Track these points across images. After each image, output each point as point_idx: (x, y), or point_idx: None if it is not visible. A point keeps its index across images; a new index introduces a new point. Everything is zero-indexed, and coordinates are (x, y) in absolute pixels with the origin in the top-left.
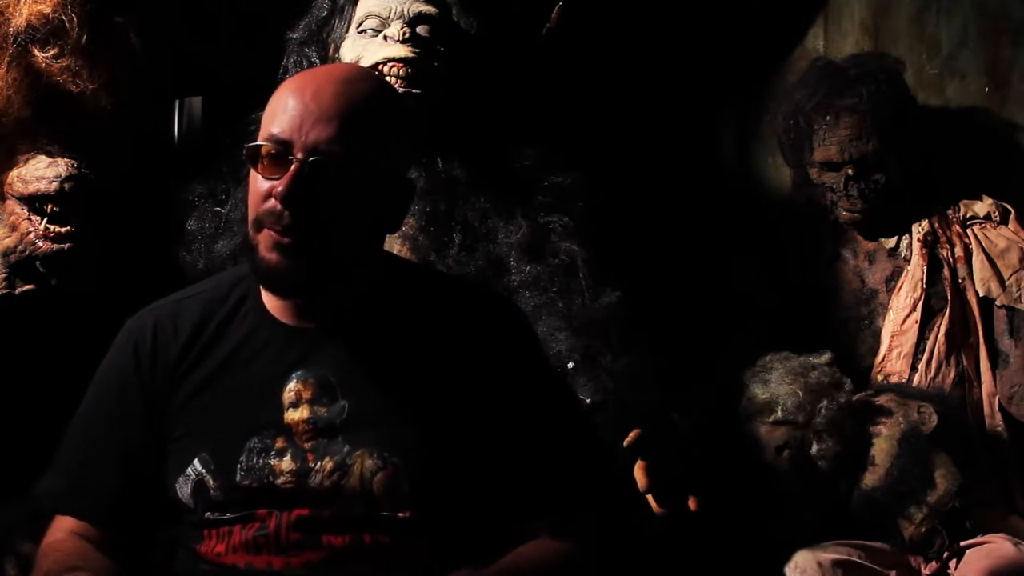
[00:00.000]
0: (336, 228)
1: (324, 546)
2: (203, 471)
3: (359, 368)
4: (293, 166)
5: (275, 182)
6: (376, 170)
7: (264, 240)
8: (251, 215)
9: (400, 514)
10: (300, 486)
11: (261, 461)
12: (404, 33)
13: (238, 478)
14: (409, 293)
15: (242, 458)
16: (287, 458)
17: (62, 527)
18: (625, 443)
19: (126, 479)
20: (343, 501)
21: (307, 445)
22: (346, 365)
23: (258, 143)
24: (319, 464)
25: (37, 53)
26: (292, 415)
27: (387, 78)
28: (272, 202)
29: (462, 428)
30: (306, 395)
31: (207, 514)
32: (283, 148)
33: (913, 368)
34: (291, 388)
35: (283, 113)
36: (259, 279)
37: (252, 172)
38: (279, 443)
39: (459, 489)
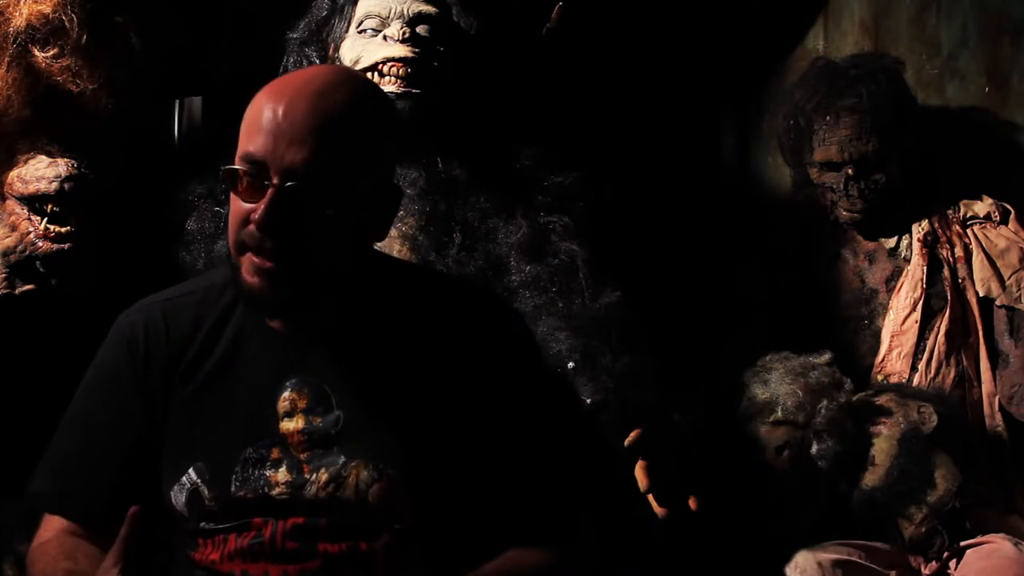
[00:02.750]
0: (319, 247)
1: (320, 554)
2: (198, 481)
3: (354, 376)
4: (270, 192)
5: (253, 205)
6: (357, 183)
7: (246, 264)
8: (232, 236)
9: (396, 525)
10: (295, 497)
11: (256, 472)
12: (404, 33)
13: (233, 489)
14: (403, 297)
15: (237, 469)
16: (282, 469)
17: (52, 527)
18: (625, 443)
19: (119, 477)
20: (338, 512)
21: (302, 456)
22: (341, 373)
23: (233, 167)
24: (314, 475)
25: (37, 53)
26: (287, 425)
27: (387, 78)
28: (252, 227)
29: (459, 436)
30: (301, 404)
31: (202, 523)
32: (259, 171)
33: (913, 368)
34: (286, 397)
35: (257, 133)
36: (244, 302)
37: (232, 193)
38: (274, 454)
39: (456, 498)
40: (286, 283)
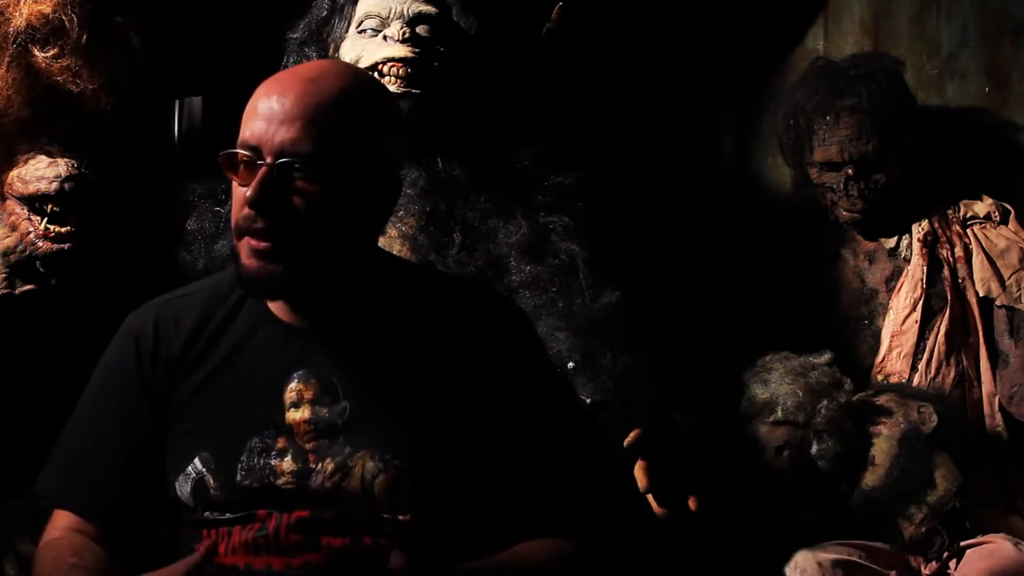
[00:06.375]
0: (311, 228)
1: (324, 548)
2: (203, 470)
3: (360, 368)
4: (261, 170)
5: (249, 187)
6: (350, 167)
7: (244, 247)
8: (232, 223)
9: (400, 516)
10: (301, 487)
11: (262, 461)
12: (404, 33)
13: (239, 478)
14: (410, 293)
15: (243, 458)
16: (288, 458)
17: (60, 524)
18: (625, 443)
19: (126, 473)
20: (344, 503)
21: (308, 446)
22: (348, 365)
23: (231, 151)
24: (320, 465)
25: (37, 53)
26: (293, 415)
27: (387, 78)
28: (247, 208)
29: (463, 429)
30: (308, 395)
31: (207, 513)
32: (254, 153)
33: (913, 368)
34: (293, 388)
35: (253, 119)
36: (242, 286)
37: (233, 180)
38: (280, 443)
39: (460, 491)
40: (280, 264)
